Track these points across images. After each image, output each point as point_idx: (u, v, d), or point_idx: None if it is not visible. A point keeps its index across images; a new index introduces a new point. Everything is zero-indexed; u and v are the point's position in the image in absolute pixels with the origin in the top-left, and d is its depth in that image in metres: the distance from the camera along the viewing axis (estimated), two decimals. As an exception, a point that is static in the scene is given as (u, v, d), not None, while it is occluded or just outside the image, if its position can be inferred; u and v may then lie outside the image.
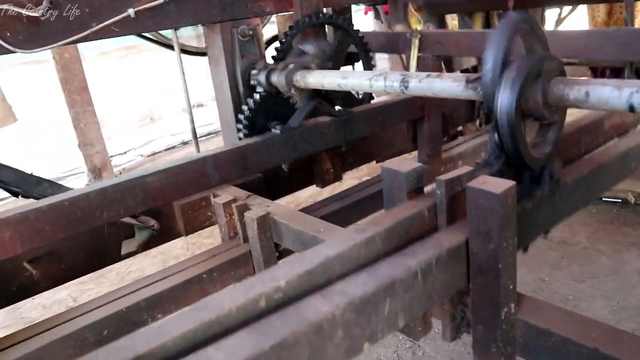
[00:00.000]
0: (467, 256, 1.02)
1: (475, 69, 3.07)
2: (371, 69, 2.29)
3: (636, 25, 3.19)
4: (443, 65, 3.02)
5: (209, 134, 5.74)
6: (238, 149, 1.87)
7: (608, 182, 1.54)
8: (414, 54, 2.36)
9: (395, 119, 2.35)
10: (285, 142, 1.97)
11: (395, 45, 2.49)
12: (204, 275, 1.62)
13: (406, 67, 2.50)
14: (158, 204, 1.71)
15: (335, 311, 0.79)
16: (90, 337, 1.40)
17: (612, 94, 1.03)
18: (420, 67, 2.43)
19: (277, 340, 0.71)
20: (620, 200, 3.05)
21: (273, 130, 1.97)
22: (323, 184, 2.29)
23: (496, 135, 1.13)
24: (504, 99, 1.06)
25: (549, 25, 3.89)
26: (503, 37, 1.08)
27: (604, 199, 3.12)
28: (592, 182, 1.43)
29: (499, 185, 0.94)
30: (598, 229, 2.88)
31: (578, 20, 4.57)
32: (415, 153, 2.61)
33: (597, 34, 1.96)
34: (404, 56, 2.48)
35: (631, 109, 1.01)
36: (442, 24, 3.11)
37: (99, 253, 1.74)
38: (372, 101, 2.44)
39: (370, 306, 0.84)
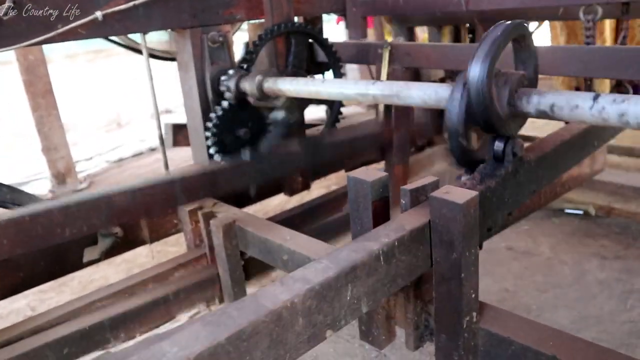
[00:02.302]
0: (430, 238, 1.02)
1: (442, 81, 3.12)
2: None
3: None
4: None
5: (177, 140, 5.67)
6: (207, 174, 1.85)
7: (571, 159, 1.54)
8: (385, 65, 2.38)
9: (365, 145, 2.41)
10: (255, 167, 1.96)
11: (365, 56, 2.50)
12: (170, 297, 1.60)
13: (376, 79, 2.52)
14: (122, 222, 1.69)
15: (295, 298, 0.77)
16: (51, 355, 1.36)
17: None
18: (390, 79, 2.45)
19: (234, 331, 0.69)
20: (582, 212, 3.13)
21: (243, 156, 1.95)
22: (291, 192, 2.28)
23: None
24: (476, 66, 1.07)
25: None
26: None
27: (566, 211, 3.19)
28: (556, 159, 1.43)
29: (462, 195, 0.96)
30: (561, 240, 2.94)
31: (543, 36, 4.70)
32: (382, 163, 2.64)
33: (561, 51, 2.02)
34: (372, 68, 2.50)
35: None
36: (411, 36, 3.16)
37: (60, 261, 1.70)
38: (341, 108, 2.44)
39: (332, 292, 0.83)
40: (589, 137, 1.59)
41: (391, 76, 2.42)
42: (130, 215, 1.67)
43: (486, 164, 1.20)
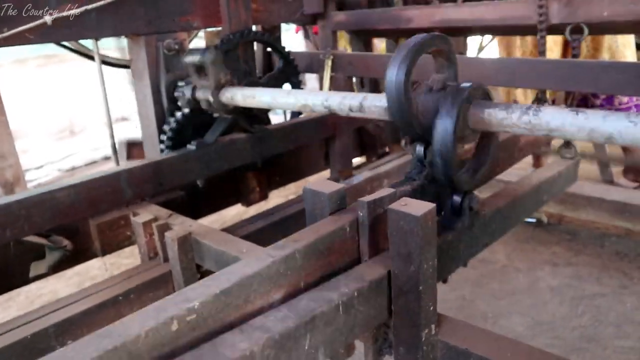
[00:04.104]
0: (388, 289, 1.03)
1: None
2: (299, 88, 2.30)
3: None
4: (361, 85, 3.11)
5: (133, 149, 5.54)
6: (152, 164, 1.82)
7: (523, 213, 1.62)
8: (327, 74, 2.41)
9: (309, 137, 2.41)
10: (201, 158, 1.94)
11: (310, 65, 2.55)
12: (120, 297, 1.53)
13: (320, 87, 2.55)
14: (68, 220, 1.62)
15: (254, 347, 0.76)
16: (-13, 371, 1.28)
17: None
18: (332, 87, 2.48)
19: None
20: (535, 220, 3.22)
21: (188, 145, 1.93)
22: (249, 203, 2.25)
23: (418, 150, 1.15)
24: (442, 128, 1.08)
25: (471, 52, 4.07)
26: (404, 59, 1.09)
27: (520, 218, 3.27)
28: (508, 214, 1.49)
29: (420, 207, 0.95)
30: (516, 248, 3.01)
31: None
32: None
33: (508, 62, 2.07)
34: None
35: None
36: (368, 48, 3.18)
37: (4, 275, 1.62)
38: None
39: (290, 341, 0.82)
40: (540, 192, 1.67)
41: (333, 84, 2.46)
42: (76, 213, 1.61)
43: (443, 217, 1.23)
